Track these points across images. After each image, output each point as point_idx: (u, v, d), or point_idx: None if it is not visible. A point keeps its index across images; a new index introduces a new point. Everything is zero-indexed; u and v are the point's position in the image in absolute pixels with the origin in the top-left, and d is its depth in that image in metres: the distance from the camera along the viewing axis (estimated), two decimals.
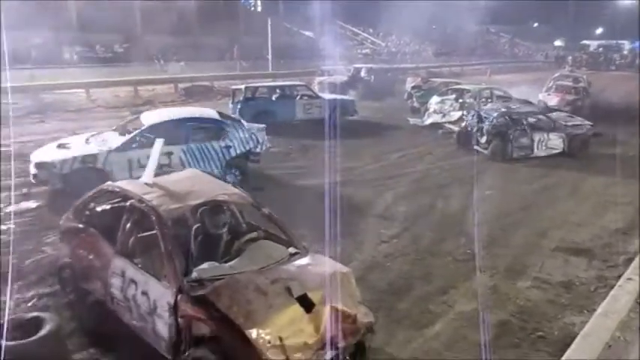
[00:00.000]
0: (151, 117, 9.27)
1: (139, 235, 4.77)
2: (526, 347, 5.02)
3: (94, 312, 5.08)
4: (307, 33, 42.66)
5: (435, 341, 5.07)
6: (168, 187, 4.86)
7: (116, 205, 5.36)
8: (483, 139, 12.56)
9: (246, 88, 15.50)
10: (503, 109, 13.07)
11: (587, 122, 13.52)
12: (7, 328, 4.28)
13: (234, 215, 5.17)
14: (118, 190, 5.16)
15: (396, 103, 21.00)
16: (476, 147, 12.49)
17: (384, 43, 47.68)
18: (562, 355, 4.30)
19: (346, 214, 8.18)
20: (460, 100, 15.90)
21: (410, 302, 5.73)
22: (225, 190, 4.97)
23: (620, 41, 53.13)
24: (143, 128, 8.72)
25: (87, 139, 8.97)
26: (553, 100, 19.05)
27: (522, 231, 7.90)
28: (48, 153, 8.48)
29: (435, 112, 16.06)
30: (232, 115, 11.25)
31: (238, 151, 9.33)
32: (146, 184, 4.93)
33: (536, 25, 67.89)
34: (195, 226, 4.95)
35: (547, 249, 7.27)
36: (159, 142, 5.38)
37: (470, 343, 4.98)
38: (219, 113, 10.00)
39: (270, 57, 28.47)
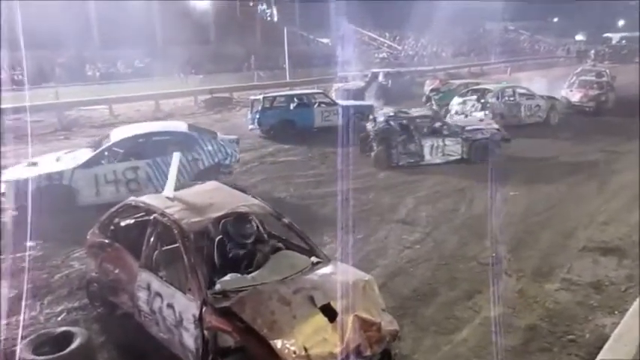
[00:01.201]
0: (118, 133, 9.38)
1: (162, 249, 4.84)
2: (557, 351, 4.91)
3: (122, 325, 5.18)
4: (323, 40, 42.80)
5: (463, 347, 4.99)
6: (189, 201, 4.92)
7: (140, 219, 5.46)
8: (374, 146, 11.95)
9: (264, 98, 15.62)
10: (390, 114, 12.26)
11: (494, 126, 12.41)
12: (37, 344, 4.40)
13: (255, 226, 5.19)
14: (141, 204, 5.24)
15: (414, 106, 20.85)
16: (369, 153, 12.01)
17: (400, 46, 47.52)
18: (594, 359, 4.21)
19: (368, 219, 8.26)
20: (482, 100, 15.71)
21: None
22: (245, 202, 5.00)
23: None
24: (109, 144, 8.82)
25: (58, 157, 9.00)
26: (576, 96, 18.73)
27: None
28: (18, 171, 8.46)
29: (456, 113, 15.92)
30: (204, 128, 11.14)
31: (207, 164, 9.28)
32: (167, 197, 5.00)
33: (556, 20, 66.96)
34: (217, 238, 5.00)
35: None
36: (177, 156, 5.44)
37: (499, 348, 4.90)
38: (189, 126, 10.02)
39: (287, 66, 28.63)
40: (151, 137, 9.09)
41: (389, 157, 11.54)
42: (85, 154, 9.02)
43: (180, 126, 9.98)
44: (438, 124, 12.10)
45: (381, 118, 12.15)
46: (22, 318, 5.25)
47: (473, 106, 15.71)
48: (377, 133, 11.90)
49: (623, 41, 50.45)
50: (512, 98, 15.97)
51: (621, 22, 60.28)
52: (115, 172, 8.54)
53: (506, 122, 15.18)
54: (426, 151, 11.60)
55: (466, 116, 15.45)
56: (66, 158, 8.91)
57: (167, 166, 8.71)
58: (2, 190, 8.26)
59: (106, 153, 8.74)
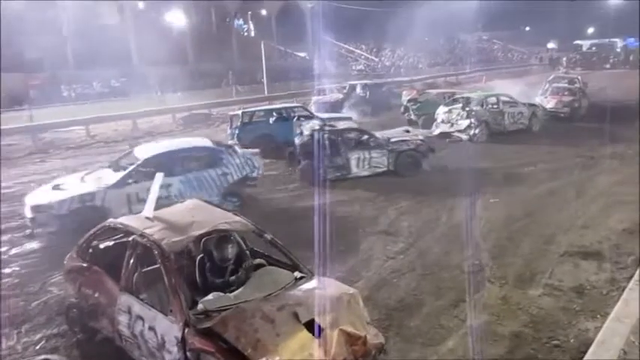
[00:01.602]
0: (144, 150, 9.30)
1: (142, 271, 4.77)
2: (542, 357, 4.92)
3: (103, 351, 5.06)
4: (301, 54, 43.09)
5: (450, 357, 4.98)
6: (169, 220, 4.86)
7: (119, 241, 5.37)
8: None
9: (243, 113, 15.58)
10: (316, 127, 12.02)
11: (419, 138, 12.37)
12: None
13: (237, 243, 5.14)
14: (120, 226, 5.15)
15: (392, 117, 21.04)
16: (296, 167, 11.98)
17: (377, 58, 48.06)
18: None
19: (350, 231, 8.24)
20: (467, 109, 15.97)
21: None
22: (226, 219, 4.95)
23: (612, 39, 53.45)
24: (139, 163, 8.73)
25: (82, 178, 8.96)
26: (550, 103, 19.07)
27: None
28: (44, 195, 8.44)
29: (442, 121, 16.20)
30: (226, 142, 11.28)
31: (235, 177, 9.36)
32: (147, 218, 4.92)
33: (527, 28, 68.51)
34: (198, 257, 4.93)
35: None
36: (159, 176, 5.39)
37: (486, 356, 4.90)
38: (212, 141, 10.04)
39: (265, 80, 28.70)
40: (179, 154, 9.16)
41: (314, 171, 11.25)
42: (109, 173, 9.01)
43: (204, 142, 10.05)
44: (364, 137, 11.93)
45: (306, 132, 12.01)
46: None
47: (458, 114, 15.95)
48: (302, 147, 11.80)
49: (593, 48, 51.82)
50: (495, 106, 16.27)
51: (591, 30, 61.95)
52: (147, 190, 8.41)
53: (491, 129, 15.71)
54: (353, 163, 11.42)
55: (452, 125, 15.83)
56: (90, 179, 8.86)
57: (198, 181, 8.97)
58: (30, 215, 8.14)
59: (136, 171, 8.61)
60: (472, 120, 15.46)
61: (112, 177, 8.74)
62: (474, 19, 48.32)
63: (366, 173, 11.51)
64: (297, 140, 12.24)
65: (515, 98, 17.06)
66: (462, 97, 17.16)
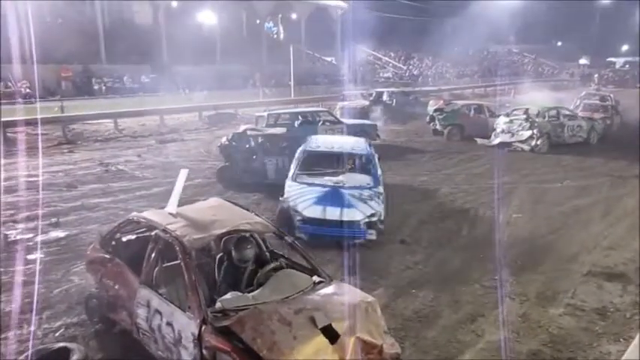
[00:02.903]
0: None
1: (163, 266, 4.81)
2: None
3: (120, 342, 5.11)
4: (328, 58, 43.13)
5: None
6: (191, 217, 4.89)
7: (141, 235, 5.44)
8: None
9: (268, 115, 15.65)
10: (238, 132, 11.98)
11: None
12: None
13: (256, 244, 5.15)
14: (143, 220, 5.21)
15: (418, 126, 20.97)
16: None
17: (405, 66, 47.84)
18: None
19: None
20: (530, 120, 16.15)
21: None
22: (248, 219, 4.97)
23: None
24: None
25: None
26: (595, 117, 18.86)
27: None
28: None
29: (503, 131, 16.42)
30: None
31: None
32: (170, 214, 4.97)
33: (560, 44, 67.51)
34: (218, 256, 4.96)
35: None
36: (184, 172, 5.43)
37: None
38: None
39: (292, 83, 28.81)
40: None
41: (230, 175, 11.28)
42: None
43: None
44: (284, 143, 11.70)
45: (227, 136, 11.91)
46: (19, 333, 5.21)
47: (520, 124, 16.15)
48: (221, 150, 11.75)
49: (627, 66, 50.79)
50: (555, 118, 16.54)
51: (625, 47, 60.73)
52: None
53: (551, 141, 16.01)
54: (270, 169, 11.16)
55: (512, 135, 16.07)
56: None
57: None
58: None
59: None
60: (534, 131, 15.70)
61: None
62: (505, 30, 47.81)
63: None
64: (219, 143, 12.17)
65: (575, 112, 17.46)
66: (523, 108, 17.39)
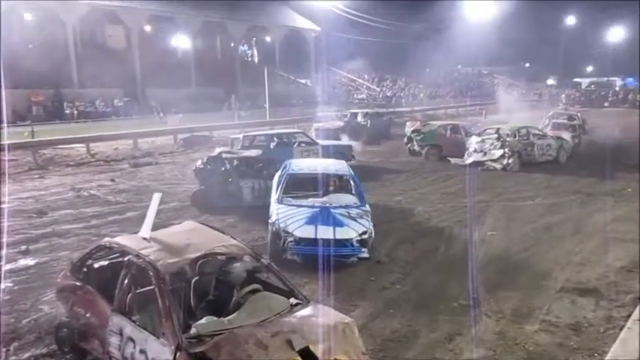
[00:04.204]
0: None
1: (136, 292, 4.70)
2: None
3: None
4: (303, 81, 43.54)
5: None
6: (165, 241, 4.83)
7: (113, 261, 5.33)
8: None
9: (244, 137, 15.66)
10: (213, 154, 11.91)
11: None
12: None
13: (233, 267, 5.09)
14: (115, 245, 5.13)
15: (393, 147, 21.22)
16: None
17: (378, 88, 48.57)
18: None
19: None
20: (501, 139, 16.46)
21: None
22: (223, 242, 4.92)
23: (611, 78, 54.21)
24: None
25: None
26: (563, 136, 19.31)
27: None
28: None
29: (475, 151, 16.65)
30: None
31: None
32: (144, 238, 4.89)
33: (527, 65, 69.50)
34: (193, 280, 4.89)
35: None
36: (157, 196, 5.37)
37: None
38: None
39: (267, 106, 28.93)
40: None
41: (205, 198, 11.21)
42: None
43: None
44: (259, 165, 11.79)
45: (202, 160, 11.91)
46: None
47: (492, 144, 16.45)
48: (196, 173, 11.74)
49: (592, 86, 52.44)
50: (526, 137, 16.85)
51: (590, 68, 62.86)
52: None
53: (522, 160, 16.32)
54: (246, 192, 11.11)
55: (484, 154, 16.33)
56: None
57: None
58: None
59: None
60: (506, 150, 16.00)
61: None
62: (475, 53, 49.09)
63: (261, 203, 10.22)
64: (194, 167, 12.11)
65: (544, 131, 17.82)
66: (491, 128, 17.75)
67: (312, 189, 9.28)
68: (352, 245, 7.82)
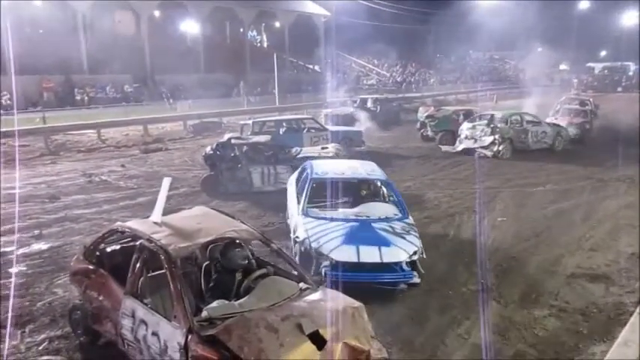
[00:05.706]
0: None
1: (148, 275, 4.77)
2: None
3: (105, 354, 5.05)
4: (312, 66, 43.30)
5: None
6: (176, 226, 4.87)
7: (126, 245, 5.39)
8: None
9: (253, 122, 15.68)
10: (222, 140, 11.97)
11: (329, 154, 11.80)
12: None
13: (243, 251, 5.13)
14: (127, 230, 5.18)
15: (402, 132, 21.13)
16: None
17: (388, 73, 48.21)
18: None
19: None
20: (492, 125, 16.13)
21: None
22: (233, 227, 4.96)
23: (625, 63, 53.34)
24: None
25: None
26: (561, 124, 19.05)
27: None
28: None
29: (466, 137, 16.33)
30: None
31: None
32: (155, 223, 4.94)
33: (540, 49, 68.53)
34: (204, 264, 4.94)
35: None
36: (167, 180, 5.40)
37: None
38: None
39: (276, 91, 28.86)
40: None
41: (214, 185, 11.19)
42: None
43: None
44: (270, 152, 11.70)
45: (212, 145, 11.94)
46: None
47: (482, 130, 16.12)
48: (205, 159, 11.76)
49: (605, 71, 51.68)
50: (519, 124, 16.45)
51: (603, 53, 61.86)
52: None
53: (515, 147, 15.90)
54: (256, 178, 11.15)
55: (475, 141, 15.98)
56: None
57: None
58: None
59: None
60: (496, 137, 15.63)
61: None
62: (486, 37, 48.43)
63: (271, 188, 10.93)
64: (203, 152, 12.12)
65: (539, 118, 17.32)
66: (486, 114, 17.36)
67: (340, 197, 7.93)
68: (402, 269, 6.38)
